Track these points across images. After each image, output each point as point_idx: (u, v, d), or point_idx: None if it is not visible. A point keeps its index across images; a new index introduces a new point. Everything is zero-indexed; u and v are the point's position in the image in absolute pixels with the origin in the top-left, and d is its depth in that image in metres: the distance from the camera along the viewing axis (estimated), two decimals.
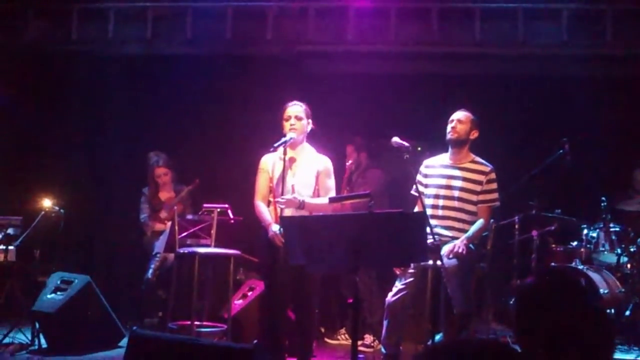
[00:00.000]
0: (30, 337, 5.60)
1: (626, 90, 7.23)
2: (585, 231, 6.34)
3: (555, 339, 1.92)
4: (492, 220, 5.20)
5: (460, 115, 5.08)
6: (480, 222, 4.96)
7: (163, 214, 6.69)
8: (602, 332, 1.97)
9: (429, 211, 4.93)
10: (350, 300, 3.50)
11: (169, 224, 6.27)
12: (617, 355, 5.64)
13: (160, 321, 6.37)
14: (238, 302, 6.21)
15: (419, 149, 6.32)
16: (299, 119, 5.01)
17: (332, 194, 5.09)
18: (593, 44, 7.43)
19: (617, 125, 7.21)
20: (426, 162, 5.21)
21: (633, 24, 7.38)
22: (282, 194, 4.87)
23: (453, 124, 5.05)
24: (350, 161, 6.62)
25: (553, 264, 6.37)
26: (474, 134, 5.07)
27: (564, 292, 1.98)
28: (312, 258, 3.64)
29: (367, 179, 6.54)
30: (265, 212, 5.02)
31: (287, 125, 5.00)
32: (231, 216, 6.10)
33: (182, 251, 5.77)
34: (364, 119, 7.39)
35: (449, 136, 5.06)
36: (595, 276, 5.96)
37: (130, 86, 7.88)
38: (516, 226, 6.19)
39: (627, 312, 6.07)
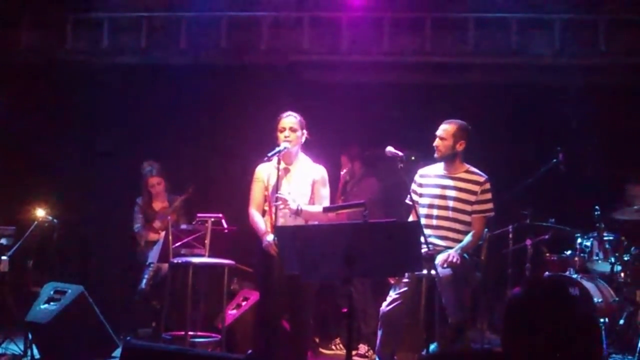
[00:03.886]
0: (23, 348, 5.57)
1: (620, 99, 7.25)
2: (579, 240, 6.33)
3: (543, 347, 1.92)
4: (486, 230, 5.20)
5: (440, 131, 5.02)
6: (474, 232, 4.96)
7: (157, 224, 6.68)
8: (591, 339, 1.97)
9: (423, 221, 4.92)
10: (345, 310, 3.49)
11: (162, 233, 6.26)
12: None
13: (154, 331, 6.35)
14: (232, 312, 6.20)
15: (413, 158, 6.32)
16: (293, 130, 5.00)
17: (327, 203, 5.08)
18: (586, 53, 7.46)
19: (611, 134, 7.23)
20: (421, 171, 5.20)
21: (626, 33, 7.42)
22: (277, 205, 4.86)
23: (435, 142, 5.02)
24: (344, 170, 6.62)
25: (547, 273, 6.37)
26: (461, 146, 5.00)
27: (552, 300, 1.98)
28: (306, 267, 3.63)
29: (362, 188, 6.54)
30: (260, 222, 5.01)
31: (281, 136, 4.99)
32: (225, 226, 6.09)
33: (176, 261, 5.76)
34: (358, 129, 7.40)
35: (435, 155, 5.05)
36: (589, 285, 5.96)
37: (124, 96, 7.88)
38: (510, 235, 6.19)
39: (621, 321, 6.06)
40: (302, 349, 5.04)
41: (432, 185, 5.10)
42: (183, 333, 5.73)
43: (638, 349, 5.55)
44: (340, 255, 3.44)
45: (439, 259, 4.75)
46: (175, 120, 7.69)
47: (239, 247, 6.17)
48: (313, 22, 7.78)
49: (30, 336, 5.55)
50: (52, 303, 5.60)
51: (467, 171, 5.06)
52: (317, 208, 4.96)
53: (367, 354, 6.25)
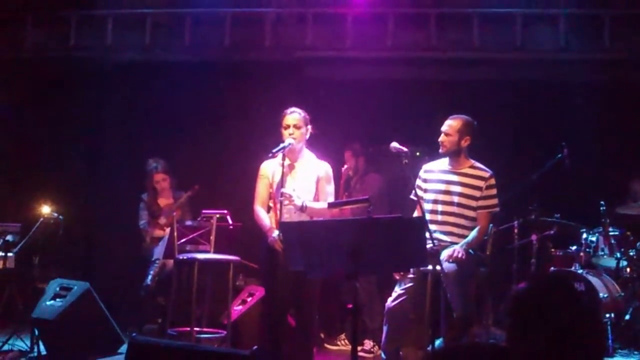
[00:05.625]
0: (29, 344, 5.59)
1: (624, 95, 7.24)
2: (584, 235, 6.33)
3: (548, 343, 1.92)
4: (491, 225, 5.19)
5: (445, 127, 4.98)
6: (479, 228, 4.95)
7: (162, 220, 6.69)
8: (595, 334, 1.98)
9: (428, 216, 4.91)
10: (350, 306, 3.49)
11: (168, 230, 6.27)
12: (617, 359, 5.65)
13: (160, 327, 6.37)
14: (237, 308, 6.21)
15: (418, 154, 6.32)
16: (297, 127, 5.00)
17: (331, 199, 5.09)
18: (591, 48, 7.45)
19: (615, 129, 7.23)
20: (425, 166, 5.19)
21: (630, 28, 7.40)
22: (282, 201, 4.87)
23: (440, 138, 5.00)
24: (346, 166, 6.62)
25: (552, 268, 6.37)
26: (466, 142, 4.95)
27: (557, 296, 1.98)
28: (311, 263, 3.64)
29: (366, 184, 6.54)
30: (265, 218, 5.02)
31: (285, 133, 5.00)
32: (230, 222, 6.10)
33: (181, 257, 5.77)
34: (363, 125, 7.41)
35: (440, 151, 5.04)
36: (595, 280, 5.96)
37: (128, 93, 7.90)
38: (515, 231, 6.19)
39: (627, 316, 6.07)
40: (307, 345, 5.05)
41: (436, 180, 5.08)
42: (188, 329, 5.74)
43: None
44: (345, 251, 3.45)
45: (444, 254, 4.74)
46: (180, 117, 7.70)
47: (244, 244, 6.18)
48: (317, 18, 7.79)
49: (36, 332, 5.57)
50: (58, 299, 5.61)
51: (472, 166, 5.04)
52: (322, 204, 4.96)
53: (372, 350, 6.25)
